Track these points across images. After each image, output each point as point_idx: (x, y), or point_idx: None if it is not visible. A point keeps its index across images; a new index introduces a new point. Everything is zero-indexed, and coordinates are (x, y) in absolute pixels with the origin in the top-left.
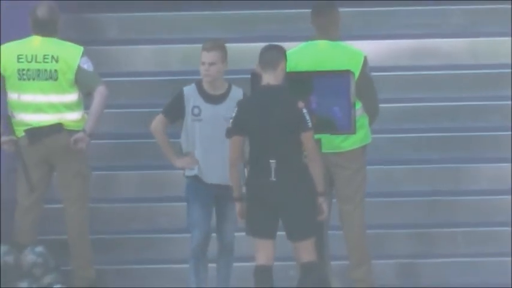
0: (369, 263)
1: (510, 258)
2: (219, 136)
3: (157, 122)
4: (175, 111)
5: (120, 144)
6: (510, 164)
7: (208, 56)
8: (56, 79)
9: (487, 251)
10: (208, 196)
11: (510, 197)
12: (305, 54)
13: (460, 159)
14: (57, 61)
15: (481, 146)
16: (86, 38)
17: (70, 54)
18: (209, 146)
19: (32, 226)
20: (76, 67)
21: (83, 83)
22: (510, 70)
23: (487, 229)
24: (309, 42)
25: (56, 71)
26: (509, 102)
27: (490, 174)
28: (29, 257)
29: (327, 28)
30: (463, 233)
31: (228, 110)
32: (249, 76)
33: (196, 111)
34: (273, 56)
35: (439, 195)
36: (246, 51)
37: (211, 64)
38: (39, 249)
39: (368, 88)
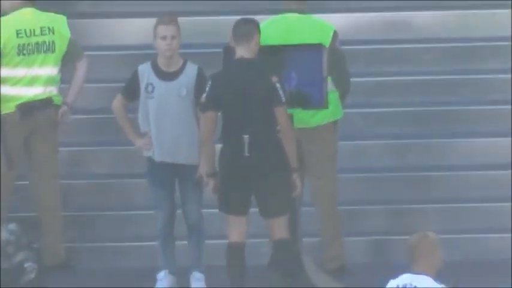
0: (340, 240)
1: (484, 234)
2: (172, 114)
3: (116, 102)
4: (131, 90)
5: (92, 119)
6: (483, 138)
7: (169, 30)
8: (53, 51)
9: (461, 227)
10: (166, 176)
11: (484, 172)
12: (274, 28)
13: (432, 133)
14: (53, 32)
15: (454, 120)
16: (57, 12)
17: (61, 25)
18: (161, 124)
19: (4, 203)
20: (69, 37)
21: (73, 53)
22: (482, 43)
23: (461, 205)
24: (280, 15)
25: (53, 42)
26: (482, 76)
27: (463, 148)
28: (2, 234)
29: None
30: (436, 208)
31: (181, 87)
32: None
33: (149, 88)
34: (247, 29)
35: (411, 171)
36: (220, 25)
37: (173, 38)
38: (12, 226)
39: (338, 63)
